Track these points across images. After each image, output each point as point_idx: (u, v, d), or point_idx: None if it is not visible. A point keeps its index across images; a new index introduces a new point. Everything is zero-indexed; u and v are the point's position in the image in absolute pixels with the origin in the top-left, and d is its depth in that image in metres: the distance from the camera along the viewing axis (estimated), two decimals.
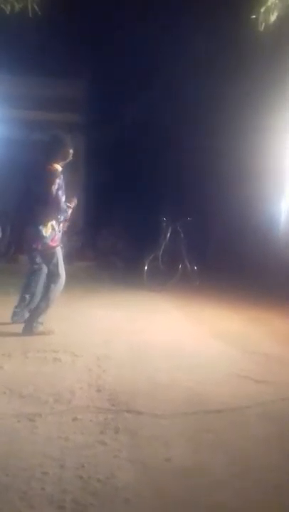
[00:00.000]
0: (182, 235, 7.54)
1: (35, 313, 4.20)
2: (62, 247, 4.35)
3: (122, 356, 3.61)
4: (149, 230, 8.00)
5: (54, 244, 4.21)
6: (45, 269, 4.35)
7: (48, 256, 4.25)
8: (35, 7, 5.34)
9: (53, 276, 4.23)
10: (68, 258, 9.11)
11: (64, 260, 4.34)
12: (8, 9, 4.41)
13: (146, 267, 7.19)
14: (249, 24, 5.28)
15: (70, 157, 4.28)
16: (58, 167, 4.17)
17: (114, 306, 5.69)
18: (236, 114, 7.49)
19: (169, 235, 7.47)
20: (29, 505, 1.70)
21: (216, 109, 7.99)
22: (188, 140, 8.83)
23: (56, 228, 4.21)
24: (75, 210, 4.43)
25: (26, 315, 4.34)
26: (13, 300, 4.57)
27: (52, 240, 4.19)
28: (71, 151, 4.25)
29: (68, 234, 5.59)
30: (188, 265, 7.33)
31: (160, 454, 2.11)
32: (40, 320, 4.17)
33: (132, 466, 1.99)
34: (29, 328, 4.12)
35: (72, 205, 4.33)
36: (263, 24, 5.21)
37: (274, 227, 7.78)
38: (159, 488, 1.84)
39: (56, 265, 4.23)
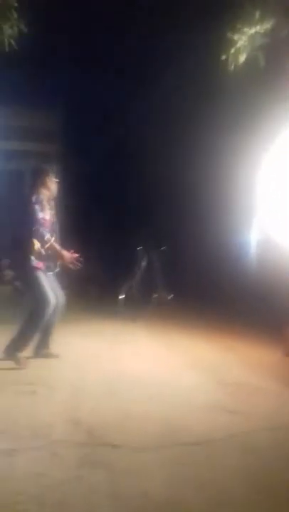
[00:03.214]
0: (157, 264, 7.66)
1: (16, 341, 4.12)
2: (46, 273, 4.33)
3: (97, 388, 3.64)
4: (124, 259, 8.10)
5: (37, 267, 4.22)
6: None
7: (30, 280, 4.25)
8: (13, 42, 5.50)
9: (33, 303, 4.21)
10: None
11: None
12: None
13: (120, 296, 7.26)
14: (220, 65, 5.59)
15: (52, 185, 4.40)
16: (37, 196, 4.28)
17: (89, 336, 5.71)
18: (209, 146, 7.78)
19: (144, 264, 7.58)
20: None
21: (188, 141, 8.27)
22: (162, 170, 9.07)
23: (41, 251, 4.23)
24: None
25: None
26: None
27: (36, 262, 4.21)
28: (50, 179, 4.40)
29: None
30: (163, 294, 7.44)
31: (137, 487, 2.14)
32: (19, 349, 4.10)
33: (110, 501, 2.02)
34: (9, 353, 4.08)
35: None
36: (233, 64, 5.53)
37: (245, 256, 8.00)
38: None
39: (37, 291, 4.19)
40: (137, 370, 4.24)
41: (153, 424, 2.94)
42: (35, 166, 4.67)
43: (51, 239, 4.30)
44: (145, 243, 7.75)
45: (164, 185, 9.16)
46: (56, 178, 4.49)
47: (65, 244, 4.55)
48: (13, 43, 5.50)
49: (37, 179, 4.41)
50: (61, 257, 4.38)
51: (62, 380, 3.76)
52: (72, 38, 10.05)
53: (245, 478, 2.30)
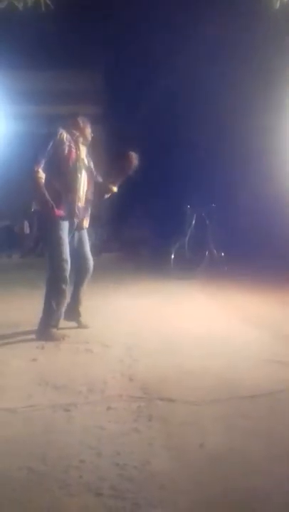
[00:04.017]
0: (207, 222, 7.50)
1: (43, 314, 3.83)
2: (67, 224, 3.84)
3: (152, 345, 3.64)
4: (174, 218, 7.99)
5: (57, 214, 3.74)
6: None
7: (45, 231, 3.88)
8: (48, 0, 5.31)
9: (47, 264, 3.84)
10: (95, 250, 9.26)
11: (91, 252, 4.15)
12: (20, 5, 4.40)
13: (172, 255, 7.20)
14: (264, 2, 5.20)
15: (85, 128, 3.98)
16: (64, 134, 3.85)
17: (142, 295, 5.73)
18: (259, 99, 7.37)
19: (194, 222, 7.45)
20: (68, 493, 1.74)
21: (238, 94, 7.87)
22: (211, 127, 8.73)
23: (61, 195, 3.79)
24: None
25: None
26: (41, 294, 4.60)
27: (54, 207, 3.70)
28: (82, 121, 3.99)
29: (94, 226, 5.38)
30: (215, 251, 7.30)
31: (194, 440, 2.12)
32: (50, 324, 3.80)
33: (167, 452, 2.01)
34: (40, 332, 3.80)
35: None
36: (278, 1, 5.11)
37: None
38: (194, 474, 1.85)
39: (52, 248, 3.81)
40: (192, 327, 4.20)
41: (210, 378, 2.90)
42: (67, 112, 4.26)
43: (39, 170, 3.71)
44: (195, 201, 7.58)
45: (215, 140, 8.83)
46: (91, 123, 4.05)
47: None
48: (48, 1, 5.31)
49: (68, 120, 4.00)
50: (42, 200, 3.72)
51: (117, 339, 3.79)
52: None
53: None
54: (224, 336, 3.89)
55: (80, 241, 4.03)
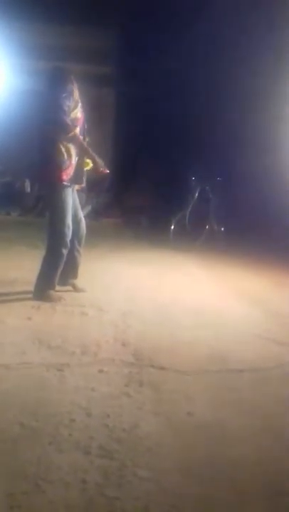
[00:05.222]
0: (210, 196, 7.45)
1: (41, 275, 3.82)
2: (71, 188, 3.82)
3: (146, 313, 3.68)
4: (177, 189, 7.92)
5: (63, 178, 3.69)
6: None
7: (50, 194, 3.81)
8: None
9: (49, 228, 3.84)
10: (95, 214, 9.22)
11: (90, 216, 4.14)
12: None
13: (172, 226, 7.19)
14: None
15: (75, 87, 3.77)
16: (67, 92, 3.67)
17: (140, 264, 5.74)
18: (273, 76, 7.19)
19: (197, 194, 7.40)
20: (58, 449, 1.80)
21: (252, 68, 7.66)
22: (221, 98, 8.53)
23: (67, 156, 3.68)
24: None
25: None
26: (39, 253, 4.60)
27: (62, 170, 3.66)
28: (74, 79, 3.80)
29: (95, 190, 5.32)
30: (216, 226, 7.28)
31: (182, 408, 2.18)
32: (47, 287, 3.80)
33: (155, 418, 2.08)
34: (37, 293, 3.80)
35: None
36: None
37: None
38: (181, 440, 1.92)
39: (57, 211, 3.77)
40: (187, 298, 4.24)
41: (200, 349, 2.96)
42: (55, 66, 3.94)
43: (76, 133, 3.65)
44: (199, 174, 7.51)
45: (223, 113, 8.65)
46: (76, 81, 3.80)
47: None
48: None
49: (62, 77, 3.76)
50: (92, 157, 3.78)
51: (111, 304, 3.83)
52: None
53: None
54: (218, 310, 3.93)
55: (75, 203, 3.98)
